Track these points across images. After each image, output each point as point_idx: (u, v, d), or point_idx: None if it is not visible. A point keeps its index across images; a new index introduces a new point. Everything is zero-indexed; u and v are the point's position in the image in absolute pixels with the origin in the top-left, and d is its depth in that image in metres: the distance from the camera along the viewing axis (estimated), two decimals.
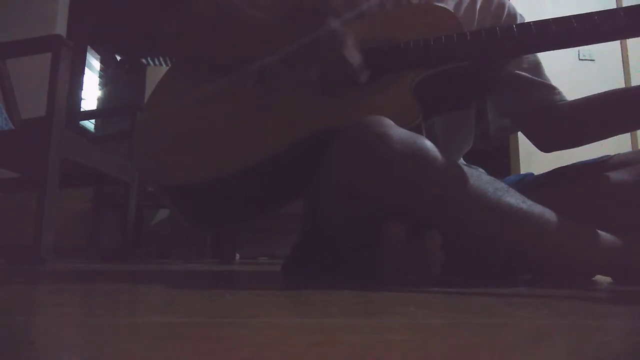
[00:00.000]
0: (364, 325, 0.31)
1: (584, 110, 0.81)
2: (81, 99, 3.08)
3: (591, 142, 0.83)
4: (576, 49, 2.49)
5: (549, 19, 0.65)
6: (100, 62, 3.57)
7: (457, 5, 0.83)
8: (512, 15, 0.86)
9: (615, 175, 0.72)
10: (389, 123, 0.59)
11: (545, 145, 0.87)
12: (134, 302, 0.47)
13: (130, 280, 0.78)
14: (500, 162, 2.51)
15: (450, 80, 0.70)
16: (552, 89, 0.84)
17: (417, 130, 0.62)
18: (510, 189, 0.62)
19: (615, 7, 0.64)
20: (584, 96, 0.81)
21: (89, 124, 3.20)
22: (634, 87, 0.77)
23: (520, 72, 0.83)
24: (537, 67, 0.85)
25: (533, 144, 0.88)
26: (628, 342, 0.28)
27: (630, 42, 2.52)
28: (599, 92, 0.79)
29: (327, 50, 0.67)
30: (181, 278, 0.87)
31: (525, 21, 0.78)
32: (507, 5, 0.86)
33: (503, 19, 0.85)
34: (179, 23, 0.79)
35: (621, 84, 2.48)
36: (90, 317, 0.35)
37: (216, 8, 0.75)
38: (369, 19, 0.79)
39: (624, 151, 0.81)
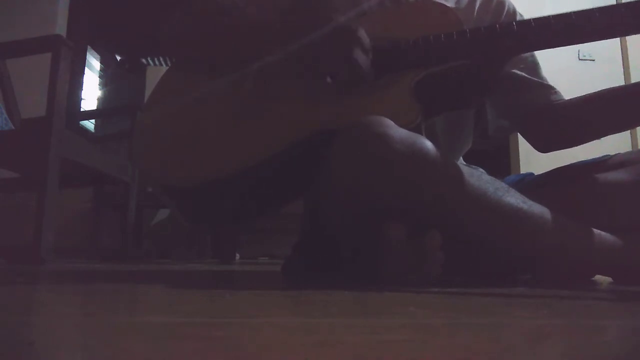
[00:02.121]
0: (364, 325, 0.31)
1: (581, 109, 0.80)
2: (81, 99, 3.08)
3: (588, 141, 0.82)
4: (576, 48, 2.49)
5: (548, 16, 0.65)
6: (100, 62, 3.57)
7: (456, 4, 0.83)
8: (512, 14, 0.86)
9: (615, 175, 0.72)
10: (389, 123, 0.59)
11: (543, 145, 0.87)
12: (134, 302, 0.47)
13: (130, 280, 0.78)
14: (500, 162, 2.51)
15: (450, 79, 0.70)
16: (549, 89, 0.84)
17: (416, 130, 0.62)
18: (511, 188, 0.62)
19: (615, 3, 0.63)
20: (580, 95, 0.81)
21: (89, 124, 3.20)
22: (630, 84, 0.77)
23: (517, 72, 0.83)
24: (534, 67, 0.85)
25: (530, 144, 0.88)
26: (628, 342, 0.28)
27: (630, 42, 2.52)
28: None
29: (335, 48, 0.66)
30: (181, 278, 0.88)
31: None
32: (506, 4, 0.86)
33: (502, 17, 0.85)
34: (179, 23, 0.79)
35: (621, 84, 2.48)
36: (90, 317, 0.35)
37: (216, 7, 0.75)
38: (368, 18, 0.79)
39: (624, 151, 0.81)
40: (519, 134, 0.95)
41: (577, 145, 0.83)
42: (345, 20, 0.67)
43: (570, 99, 0.83)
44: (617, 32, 0.66)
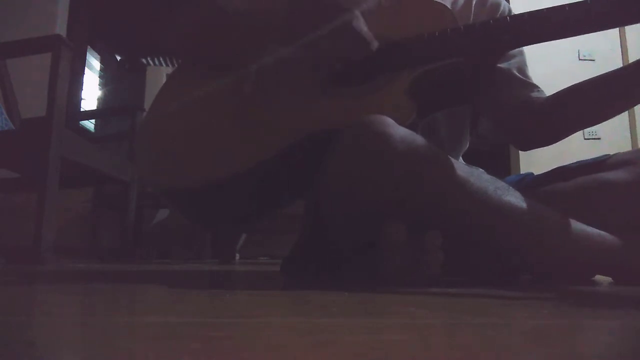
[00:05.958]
0: (364, 325, 0.31)
1: (557, 102, 0.80)
2: (81, 99, 3.08)
3: (566, 136, 0.81)
4: (576, 48, 2.49)
5: (542, 9, 0.64)
6: (100, 62, 3.57)
7: (453, 4, 0.84)
8: (507, 13, 0.86)
9: (615, 175, 0.72)
10: (390, 122, 0.59)
11: (522, 142, 0.86)
12: (134, 302, 0.47)
13: (130, 280, 0.78)
14: (500, 162, 2.51)
15: (446, 77, 0.70)
16: (532, 87, 0.83)
17: (412, 128, 0.62)
18: (511, 188, 0.62)
19: None
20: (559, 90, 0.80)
21: (89, 124, 3.20)
22: (599, 76, 0.77)
23: (506, 68, 0.83)
24: (522, 66, 0.84)
25: (510, 142, 0.87)
26: (628, 342, 0.28)
27: (630, 42, 2.52)
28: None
29: (349, 31, 0.67)
30: (181, 278, 0.87)
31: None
32: (501, 5, 0.87)
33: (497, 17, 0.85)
34: (186, 22, 0.79)
35: None
36: (90, 317, 0.35)
37: (221, 7, 0.75)
38: (365, 17, 0.79)
39: (624, 151, 0.81)
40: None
41: (555, 142, 0.82)
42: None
43: (549, 95, 0.82)
44: (613, 22, 0.65)
